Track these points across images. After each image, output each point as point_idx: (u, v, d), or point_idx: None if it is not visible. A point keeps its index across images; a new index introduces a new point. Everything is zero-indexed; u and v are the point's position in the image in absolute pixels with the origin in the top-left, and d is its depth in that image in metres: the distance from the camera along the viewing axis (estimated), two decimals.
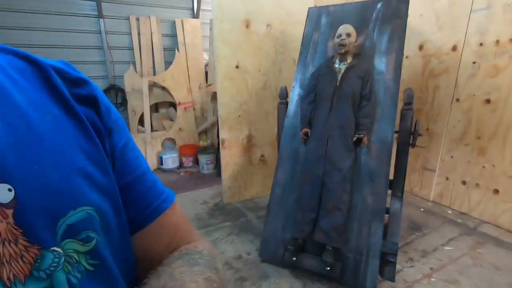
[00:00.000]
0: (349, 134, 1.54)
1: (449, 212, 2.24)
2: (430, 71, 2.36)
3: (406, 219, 2.11)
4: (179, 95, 3.53)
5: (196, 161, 3.40)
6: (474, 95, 2.08)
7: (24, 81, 0.31)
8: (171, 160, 3.36)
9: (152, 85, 3.48)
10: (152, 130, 3.45)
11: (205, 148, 3.36)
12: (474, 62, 2.07)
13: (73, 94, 0.34)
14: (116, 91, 3.45)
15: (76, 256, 0.30)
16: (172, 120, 3.64)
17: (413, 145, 1.64)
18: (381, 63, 1.66)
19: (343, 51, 1.60)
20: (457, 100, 2.19)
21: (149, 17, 3.47)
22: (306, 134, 1.64)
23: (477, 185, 2.12)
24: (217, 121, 2.46)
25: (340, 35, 1.61)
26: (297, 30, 2.16)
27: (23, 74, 0.32)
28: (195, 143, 3.57)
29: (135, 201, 0.40)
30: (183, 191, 2.73)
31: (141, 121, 3.50)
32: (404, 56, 1.97)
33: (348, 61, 1.62)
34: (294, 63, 1.98)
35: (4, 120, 0.28)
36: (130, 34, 3.42)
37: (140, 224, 0.40)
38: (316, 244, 1.50)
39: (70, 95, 0.34)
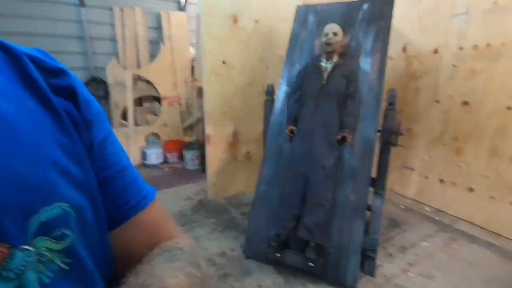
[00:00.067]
0: (333, 132, 1.56)
1: (427, 209, 2.33)
2: (412, 73, 2.42)
3: (386, 216, 2.16)
4: (164, 90, 3.46)
5: (181, 157, 3.36)
6: (453, 97, 2.16)
7: None
8: (155, 156, 3.30)
9: (136, 79, 3.40)
10: (135, 124, 3.37)
11: (190, 143, 3.33)
12: (454, 65, 2.14)
13: (49, 84, 0.33)
14: (98, 84, 3.34)
15: (49, 255, 0.29)
16: (156, 115, 3.57)
17: (395, 144, 1.69)
18: (366, 63, 1.69)
19: (329, 49, 1.62)
20: (437, 101, 2.27)
21: (134, 8, 3.37)
22: (291, 131, 1.65)
23: (454, 183, 2.21)
24: (203, 116, 2.43)
25: (327, 34, 1.62)
26: (284, 27, 2.16)
27: None
28: (180, 138, 3.53)
29: (113, 197, 0.38)
30: (167, 187, 2.69)
31: (124, 115, 3.41)
32: (388, 57, 2.01)
33: (334, 60, 1.64)
34: (281, 60, 1.98)
35: None
36: (114, 25, 3.32)
37: (117, 221, 0.39)
38: (300, 241, 1.52)
39: (46, 86, 0.32)
